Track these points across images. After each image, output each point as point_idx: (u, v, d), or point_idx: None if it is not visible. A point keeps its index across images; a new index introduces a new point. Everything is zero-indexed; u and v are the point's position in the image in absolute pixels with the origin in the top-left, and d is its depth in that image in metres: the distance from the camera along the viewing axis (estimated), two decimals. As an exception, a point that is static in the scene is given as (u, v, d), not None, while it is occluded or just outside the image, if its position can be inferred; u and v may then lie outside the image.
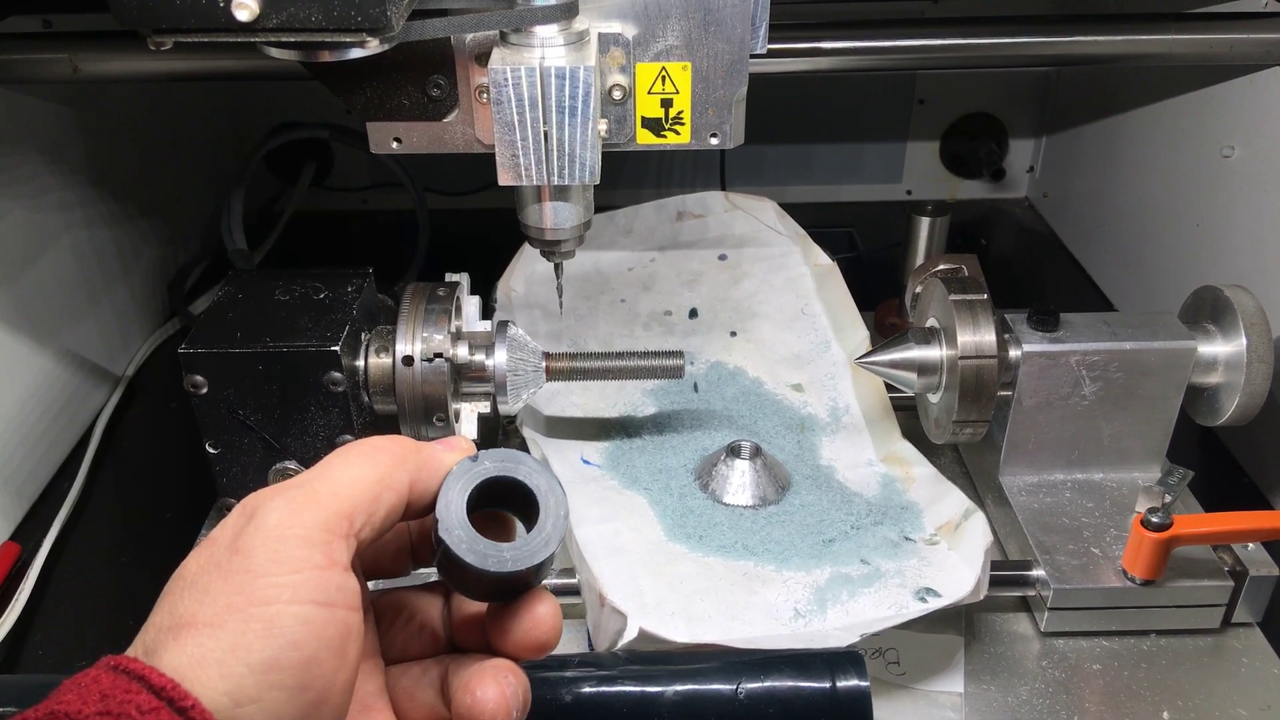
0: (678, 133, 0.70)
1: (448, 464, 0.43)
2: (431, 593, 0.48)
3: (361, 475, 0.41)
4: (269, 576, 0.37)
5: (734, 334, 1.05)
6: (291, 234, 1.33)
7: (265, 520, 0.38)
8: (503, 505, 0.45)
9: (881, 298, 1.17)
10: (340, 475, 0.40)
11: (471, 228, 1.32)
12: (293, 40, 0.52)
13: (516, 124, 0.62)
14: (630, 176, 1.43)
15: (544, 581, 0.45)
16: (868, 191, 1.49)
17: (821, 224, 1.16)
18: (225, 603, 0.36)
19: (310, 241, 1.39)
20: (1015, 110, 1.44)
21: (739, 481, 0.86)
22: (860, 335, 1.00)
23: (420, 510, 0.43)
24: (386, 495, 0.41)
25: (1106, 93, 1.23)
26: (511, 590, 0.44)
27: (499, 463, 0.43)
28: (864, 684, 0.57)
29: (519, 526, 0.45)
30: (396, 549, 0.47)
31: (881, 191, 1.49)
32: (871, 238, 1.40)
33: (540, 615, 0.44)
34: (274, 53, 0.56)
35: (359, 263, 0.84)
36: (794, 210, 1.11)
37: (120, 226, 1.10)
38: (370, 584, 0.47)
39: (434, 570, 0.45)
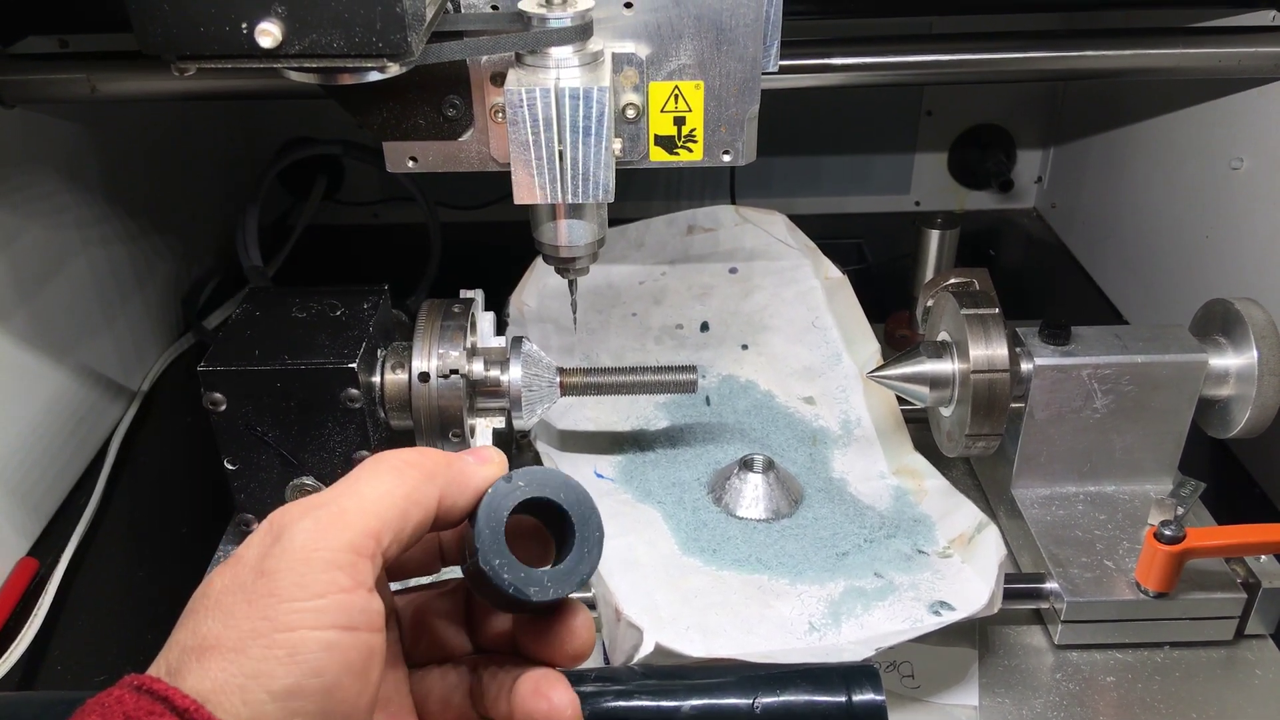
0: (690, 150, 0.71)
1: (478, 479, 0.43)
2: (454, 596, 0.48)
3: (389, 491, 0.41)
4: (293, 601, 0.37)
5: (745, 347, 1.05)
6: (303, 248, 1.34)
7: (292, 541, 0.38)
8: (535, 514, 0.45)
9: (891, 309, 1.18)
10: (368, 491, 0.40)
11: (483, 241, 1.32)
12: (314, 66, 0.52)
13: (531, 144, 0.63)
14: (640, 189, 1.44)
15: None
16: (876, 203, 1.50)
17: (830, 236, 1.16)
18: (249, 627, 0.36)
19: (322, 256, 1.40)
20: (1023, 121, 1.44)
21: (752, 495, 0.86)
22: (871, 348, 1.00)
23: (448, 523, 0.43)
24: (414, 511, 0.41)
25: (1115, 104, 1.24)
26: (548, 609, 0.44)
27: (534, 484, 0.43)
28: (879, 698, 0.57)
29: (552, 543, 0.46)
30: (425, 551, 0.47)
31: (890, 203, 1.50)
32: (880, 249, 1.41)
33: (576, 627, 0.44)
34: (294, 76, 0.57)
35: (371, 277, 0.85)
36: (803, 222, 1.11)
37: (135, 243, 1.11)
38: (394, 585, 0.47)
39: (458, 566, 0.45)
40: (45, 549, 0.89)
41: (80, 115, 1.00)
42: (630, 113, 0.68)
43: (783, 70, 0.72)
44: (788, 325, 1.06)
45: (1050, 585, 0.80)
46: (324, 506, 0.39)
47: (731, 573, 0.80)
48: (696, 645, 0.70)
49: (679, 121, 0.70)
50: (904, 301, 1.18)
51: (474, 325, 0.85)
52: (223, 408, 0.75)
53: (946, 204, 1.50)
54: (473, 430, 0.83)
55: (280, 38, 0.50)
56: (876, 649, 0.70)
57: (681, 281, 1.10)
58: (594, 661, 0.77)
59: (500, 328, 0.91)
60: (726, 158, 0.71)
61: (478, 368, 0.81)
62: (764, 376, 1.02)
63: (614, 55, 0.66)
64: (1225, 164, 1.00)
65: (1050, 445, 0.86)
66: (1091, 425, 0.85)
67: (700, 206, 1.11)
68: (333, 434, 0.77)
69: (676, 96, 0.69)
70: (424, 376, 0.78)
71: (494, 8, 0.65)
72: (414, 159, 0.71)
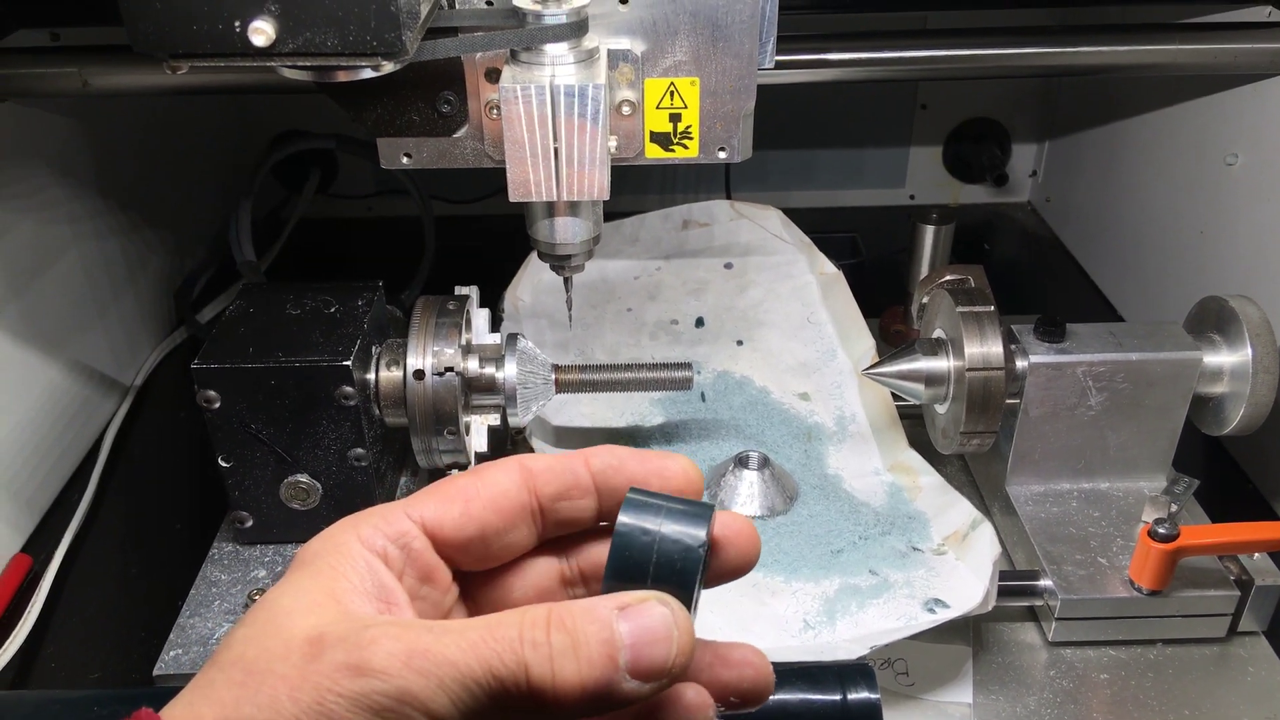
0: (686, 147, 0.71)
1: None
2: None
3: None
4: None
5: (740, 343, 1.05)
6: (296, 241, 1.34)
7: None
8: None
9: (886, 304, 1.18)
10: None
11: (477, 235, 1.32)
12: (308, 64, 0.52)
13: (526, 141, 0.63)
14: (635, 184, 1.43)
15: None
16: (871, 197, 1.49)
17: (825, 229, 1.16)
18: None
19: (315, 249, 1.40)
20: (1018, 115, 1.44)
21: (747, 492, 0.86)
22: (866, 344, 1.00)
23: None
24: None
25: (1110, 98, 1.24)
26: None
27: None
28: (874, 697, 0.57)
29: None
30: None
31: (885, 196, 1.49)
32: (875, 243, 1.40)
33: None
34: (288, 73, 0.57)
35: (365, 270, 0.85)
36: (798, 216, 1.11)
37: (127, 237, 1.10)
38: None
39: None
40: (39, 545, 0.88)
41: (72, 109, 1.00)
42: (626, 109, 0.68)
43: (778, 66, 0.71)
44: (783, 321, 1.06)
45: (1044, 583, 0.80)
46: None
47: (726, 570, 0.80)
48: (691, 643, 0.70)
49: (674, 118, 0.70)
50: (899, 296, 1.18)
51: (469, 322, 0.84)
52: (217, 405, 0.75)
53: (941, 197, 1.49)
54: (468, 428, 0.83)
55: (273, 36, 0.49)
56: (871, 647, 0.70)
57: (676, 277, 1.10)
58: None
59: (495, 322, 0.90)
60: (722, 154, 0.71)
61: (473, 365, 0.81)
62: (759, 372, 1.02)
63: (609, 52, 0.66)
64: (1220, 160, 1.00)
65: (1045, 442, 0.86)
66: (1086, 423, 0.85)
67: (695, 201, 1.11)
68: (327, 431, 0.77)
69: (672, 93, 0.69)
70: (419, 374, 0.78)
71: (489, 3, 0.64)
72: (408, 155, 0.71)
